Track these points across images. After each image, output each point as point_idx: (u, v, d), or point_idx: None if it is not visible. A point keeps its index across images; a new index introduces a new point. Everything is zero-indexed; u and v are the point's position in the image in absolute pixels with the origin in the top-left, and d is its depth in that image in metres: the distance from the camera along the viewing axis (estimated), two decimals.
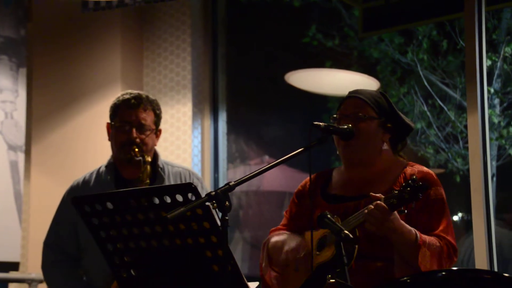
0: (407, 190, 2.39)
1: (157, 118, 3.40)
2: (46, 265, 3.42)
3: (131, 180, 3.34)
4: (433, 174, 2.67)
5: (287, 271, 2.72)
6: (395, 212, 2.45)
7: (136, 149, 3.28)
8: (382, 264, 2.54)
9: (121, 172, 3.39)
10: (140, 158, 3.27)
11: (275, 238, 2.79)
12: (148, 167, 3.27)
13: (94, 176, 3.43)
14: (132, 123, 3.31)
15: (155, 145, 3.41)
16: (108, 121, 3.42)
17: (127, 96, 3.36)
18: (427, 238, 2.50)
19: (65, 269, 3.38)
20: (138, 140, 3.29)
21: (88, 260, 3.35)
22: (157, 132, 3.41)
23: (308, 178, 2.88)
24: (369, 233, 2.50)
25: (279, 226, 2.90)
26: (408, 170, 2.68)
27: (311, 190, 2.80)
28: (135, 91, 3.41)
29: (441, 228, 2.57)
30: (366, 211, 2.45)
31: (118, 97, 3.39)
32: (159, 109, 3.42)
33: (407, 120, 2.77)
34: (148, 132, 3.33)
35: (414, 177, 2.42)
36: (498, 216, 4.88)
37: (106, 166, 3.40)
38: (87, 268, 3.37)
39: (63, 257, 3.38)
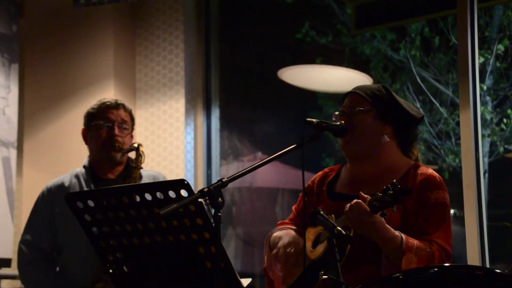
0: (389, 193, 2.37)
1: (133, 123, 3.54)
2: (21, 264, 3.44)
3: (108, 179, 3.44)
4: (437, 177, 2.61)
5: (285, 267, 2.73)
6: (377, 215, 2.43)
7: (120, 144, 3.40)
8: (376, 269, 2.52)
9: (98, 172, 3.48)
10: (133, 147, 3.40)
11: (276, 234, 2.81)
12: (141, 158, 3.41)
13: (69, 177, 3.50)
14: (114, 122, 3.43)
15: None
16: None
17: (105, 101, 3.50)
18: (415, 243, 2.46)
19: (42, 267, 3.40)
20: (120, 138, 3.41)
21: (67, 256, 3.38)
22: (132, 137, 3.54)
23: (317, 174, 2.88)
24: (361, 235, 2.50)
25: (286, 220, 2.91)
26: (412, 172, 2.63)
27: (315, 187, 2.82)
28: (112, 98, 3.56)
29: (436, 233, 2.52)
30: (346, 208, 2.45)
31: (95, 104, 3.51)
32: (133, 116, 3.57)
33: (412, 110, 2.71)
34: (127, 132, 3.46)
35: (395, 180, 2.39)
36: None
37: (84, 167, 3.49)
38: (66, 264, 3.39)
39: (39, 255, 3.42)
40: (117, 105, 3.47)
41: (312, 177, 2.89)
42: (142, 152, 3.41)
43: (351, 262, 2.50)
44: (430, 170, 2.65)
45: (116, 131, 3.41)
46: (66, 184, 3.46)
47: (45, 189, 3.52)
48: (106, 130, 3.43)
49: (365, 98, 2.67)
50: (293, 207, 2.94)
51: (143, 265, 2.40)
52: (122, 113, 3.47)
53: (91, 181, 3.44)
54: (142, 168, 3.42)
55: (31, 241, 3.43)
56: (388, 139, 2.68)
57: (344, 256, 2.47)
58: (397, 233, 2.46)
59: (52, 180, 3.56)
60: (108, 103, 3.47)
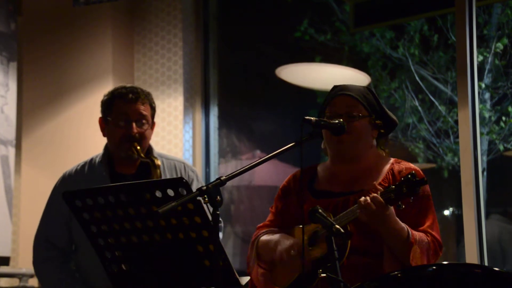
0: (405, 185, 2.40)
1: (153, 111, 3.34)
2: (37, 262, 3.31)
3: (126, 175, 3.28)
4: (420, 171, 2.68)
5: (277, 268, 2.72)
6: (391, 207, 2.46)
7: (138, 147, 3.19)
8: (373, 260, 2.55)
9: (116, 167, 3.31)
10: (148, 161, 3.18)
11: (266, 237, 2.79)
12: (158, 171, 3.17)
13: (87, 168, 3.34)
14: (131, 118, 3.22)
15: (150, 138, 3.34)
16: (100, 116, 3.33)
17: (123, 91, 3.26)
18: (417, 235, 2.52)
19: (58, 265, 3.28)
20: (137, 135, 3.21)
21: (83, 255, 3.27)
22: (153, 125, 3.34)
23: (292, 173, 2.89)
24: (362, 228, 2.51)
25: (266, 222, 2.90)
26: (396, 167, 2.70)
27: (299, 186, 2.81)
28: (129, 85, 3.33)
29: (428, 224, 2.60)
30: (362, 202, 2.46)
31: (112, 91, 3.29)
32: (154, 101, 3.35)
33: (392, 115, 2.79)
34: (146, 126, 3.26)
35: (413, 172, 2.44)
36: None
37: (101, 162, 3.31)
38: (82, 263, 3.29)
39: (55, 252, 3.29)
40: (134, 99, 3.23)
41: (287, 177, 2.90)
42: (159, 170, 3.16)
43: (352, 256, 2.51)
44: (412, 165, 2.72)
45: (134, 128, 3.20)
46: (84, 177, 3.29)
47: (62, 179, 3.35)
48: (123, 127, 3.21)
49: (360, 102, 2.70)
50: (270, 208, 2.93)
51: (142, 263, 2.40)
52: (140, 107, 3.23)
53: (109, 177, 3.26)
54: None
55: (47, 238, 3.29)
56: (375, 143, 2.76)
57: (345, 254, 2.48)
58: (403, 225, 2.51)
59: (69, 169, 3.37)
60: (125, 96, 3.23)
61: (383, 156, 2.78)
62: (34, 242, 3.35)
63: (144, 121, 3.25)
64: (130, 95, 3.24)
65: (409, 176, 2.41)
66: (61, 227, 3.29)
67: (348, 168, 2.73)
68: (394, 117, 2.80)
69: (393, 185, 2.45)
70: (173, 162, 3.40)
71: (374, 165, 2.73)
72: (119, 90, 3.28)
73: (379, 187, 2.49)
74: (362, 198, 2.47)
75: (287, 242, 2.67)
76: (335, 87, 2.80)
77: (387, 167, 2.71)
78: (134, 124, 3.21)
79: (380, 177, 2.67)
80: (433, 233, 2.58)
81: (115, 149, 3.27)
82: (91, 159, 3.38)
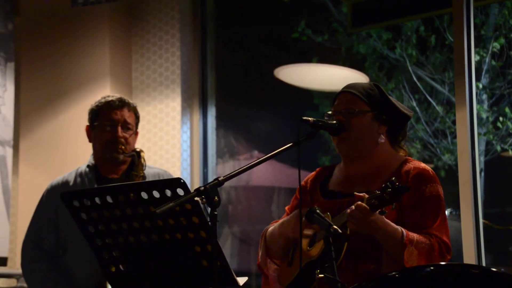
0: (387, 191, 2.37)
1: (137, 120, 3.51)
2: (25, 263, 3.44)
3: (111, 178, 3.41)
4: (430, 171, 2.64)
5: (282, 265, 2.73)
6: (377, 212, 2.44)
7: (123, 147, 3.37)
8: (374, 266, 2.53)
9: (102, 171, 3.46)
10: (134, 153, 3.36)
11: (271, 228, 2.81)
12: (142, 160, 3.35)
13: (73, 175, 3.48)
14: (117, 122, 3.40)
15: (134, 145, 3.49)
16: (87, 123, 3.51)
17: (110, 99, 3.46)
18: (415, 236, 2.47)
19: (45, 267, 3.39)
20: (123, 139, 3.38)
21: (70, 257, 3.37)
22: (136, 134, 3.51)
23: (310, 174, 2.88)
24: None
25: (278, 220, 2.91)
26: (405, 167, 2.64)
27: (309, 186, 2.82)
28: (116, 95, 3.52)
29: (434, 225, 2.54)
30: (348, 211, 2.45)
31: (100, 100, 3.47)
32: (138, 112, 3.54)
33: (404, 109, 2.73)
34: (131, 132, 3.43)
35: (394, 178, 2.39)
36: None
37: (88, 166, 3.47)
38: (69, 265, 3.37)
39: (42, 255, 3.41)
40: (121, 105, 3.43)
41: (306, 177, 2.90)
42: (143, 159, 3.35)
43: (351, 260, 2.50)
44: (423, 164, 2.66)
45: (119, 132, 3.38)
46: (71, 183, 3.44)
47: (49, 187, 3.49)
48: (109, 131, 3.39)
49: (361, 98, 2.68)
50: (286, 208, 2.94)
51: (140, 264, 2.40)
52: (126, 113, 3.43)
53: (95, 181, 3.41)
54: (142, 175, 3.34)
55: (35, 241, 3.42)
56: (384, 140, 2.70)
57: (341, 255, 2.47)
58: (396, 226, 2.47)
59: (56, 178, 3.52)
60: (111, 102, 3.43)
61: (396, 154, 2.74)
62: (23, 245, 3.48)
63: (129, 126, 3.43)
64: (117, 102, 3.44)
65: (389, 183, 2.37)
66: (49, 232, 3.42)
67: (358, 167, 2.71)
68: (406, 111, 2.73)
69: (378, 191, 2.43)
70: (156, 170, 3.57)
71: (384, 164, 2.68)
72: (106, 98, 3.48)
73: (360, 195, 2.46)
74: (348, 209, 2.45)
75: (287, 218, 2.70)
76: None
77: (397, 166, 2.67)
78: (119, 128, 3.39)
79: (390, 177, 2.62)
80: (439, 235, 2.52)
81: (101, 152, 3.44)
82: (78, 168, 3.53)
